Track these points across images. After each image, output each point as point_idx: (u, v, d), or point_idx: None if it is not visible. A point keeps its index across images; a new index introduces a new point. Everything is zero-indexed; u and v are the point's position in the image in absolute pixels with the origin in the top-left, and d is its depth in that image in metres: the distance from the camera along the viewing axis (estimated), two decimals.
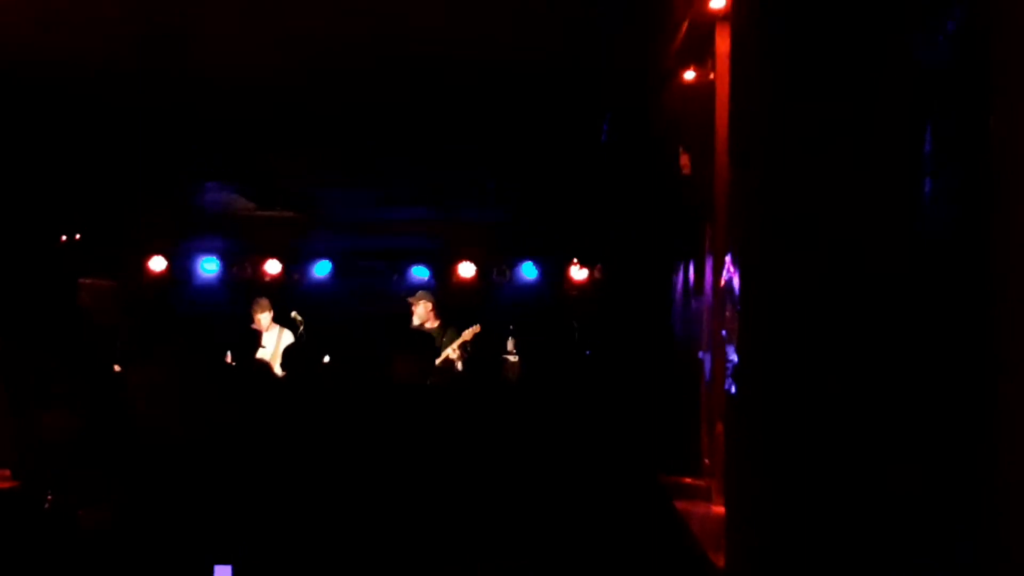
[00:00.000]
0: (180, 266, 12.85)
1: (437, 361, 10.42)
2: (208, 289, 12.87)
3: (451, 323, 10.72)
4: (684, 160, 8.34)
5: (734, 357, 5.80)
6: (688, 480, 8.49)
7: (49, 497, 5.16)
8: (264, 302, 10.95)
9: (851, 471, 5.20)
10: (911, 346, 4.92)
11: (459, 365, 10.43)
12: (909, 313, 4.96)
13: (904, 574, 4.83)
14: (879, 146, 5.10)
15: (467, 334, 10.46)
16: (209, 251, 12.91)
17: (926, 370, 4.84)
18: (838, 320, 5.34)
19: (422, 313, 10.75)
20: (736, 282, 5.85)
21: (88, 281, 12.36)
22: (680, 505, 7.51)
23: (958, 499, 4.49)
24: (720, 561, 5.70)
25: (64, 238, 12.14)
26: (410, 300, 10.89)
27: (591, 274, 12.83)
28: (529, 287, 13.04)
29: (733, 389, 5.72)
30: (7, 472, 8.72)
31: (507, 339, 11.43)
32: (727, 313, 6.46)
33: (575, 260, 12.88)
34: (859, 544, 5.09)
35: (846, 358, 5.32)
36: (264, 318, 10.87)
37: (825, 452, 5.22)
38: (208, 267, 12.88)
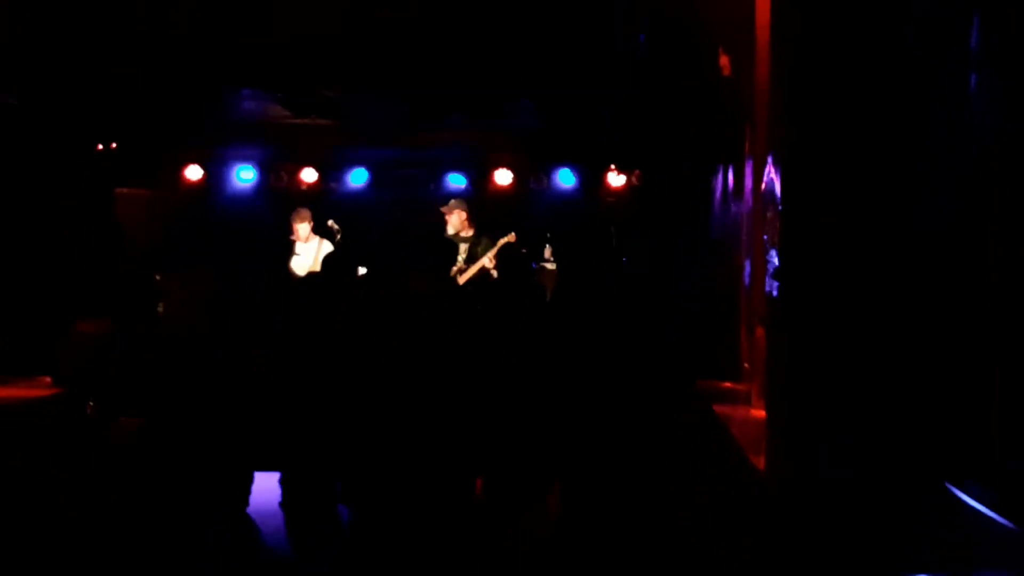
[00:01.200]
0: (216, 175, 12.81)
1: (473, 270, 10.39)
2: (244, 198, 12.84)
3: (486, 231, 10.65)
4: (724, 61, 8.19)
5: (775, 260, 5.73)
6: (728, 384, 8.48)
7: (91, 404, 5.19)
8: (304, 212, 10.89)
9: (892, 374, 5.16)
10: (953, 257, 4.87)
11: (494, 274, 10.38)
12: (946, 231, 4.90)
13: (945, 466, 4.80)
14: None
15: (502, 242, 10.39)
16: (245, 160, 12.85)
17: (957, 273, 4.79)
18: (883, 223, 5.27)
19: (456, 222, 10.67)
20: (777, 185, 5.76)
21: (124, 190, 12.36)
22: (720, 409, 7.51)
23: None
24: (760, 463, 5.69)
25: (100, 147, 12.12)
26: (443, 210, 10.82)
27: (629, 180, 12.71)
28: (567, 194, 12.93)
29: (775, 292, 5.66)
30: (48, 379, 8.80)
31: (544, 247, 11.36)
32: (768, 216, 6.38)
33: (613, 166, 12.75)
34: (898, 447, 5.06)
35: (889, 261, 5.26)
36: (303, 228, 10.83)
37: (869, 354, 5.17)
38: (244, 176, 12.83)
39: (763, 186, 6.60)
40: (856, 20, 5.14)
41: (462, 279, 10.38)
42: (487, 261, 10.36)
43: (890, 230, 5.14)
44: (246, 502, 6.50)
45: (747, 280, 7.99)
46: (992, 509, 4.48)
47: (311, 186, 12.78)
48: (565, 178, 12.86)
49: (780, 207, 5.50)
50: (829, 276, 5.14)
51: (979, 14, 4.54)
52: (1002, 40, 4.24)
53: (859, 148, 5.20)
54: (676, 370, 8.54)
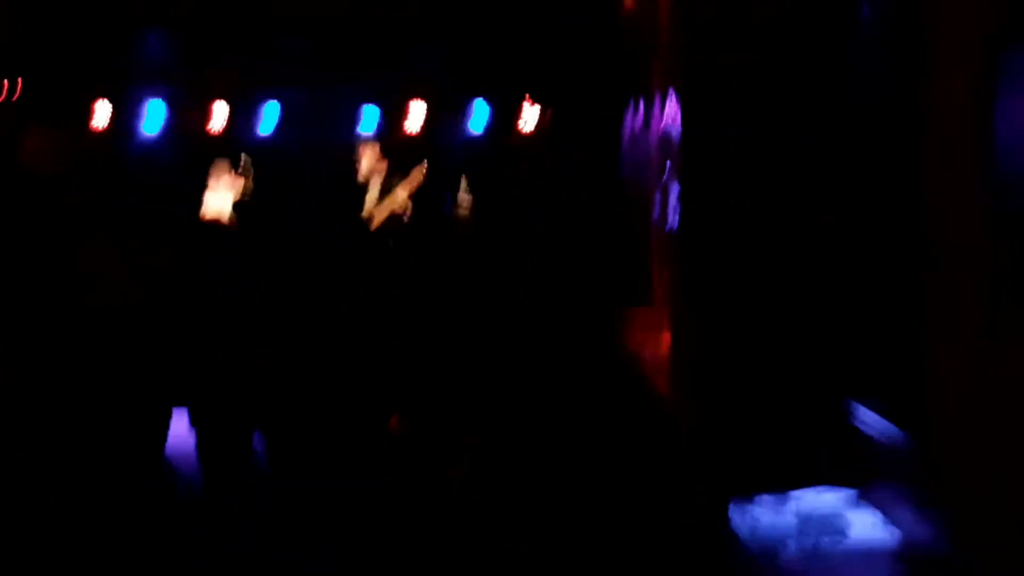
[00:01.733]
0: (125, 115, 12.65)
1: (386, 207, 10.46)
2: (153, 138, 12.70)
3: (399, 169, 10.70)
4: None
5: (675, 191, 5.86)
6: (641, 311, 8.63)
7: None
8: (223, 164, 10.79)
9: (790, 304, 5.32)
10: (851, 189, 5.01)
11: (408, 210, 10.46)
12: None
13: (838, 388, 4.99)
14: None
15: (415, 174, 10.48)
16: (155, 98, 12.69)
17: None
18: (781, 156, 5.40)
19: (369, 161, 10.72)
20: (677, 117, 5.87)
21: (31, 131, 12.14)
22: (634, 335, 7.67)
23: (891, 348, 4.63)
24: (665, 386, 5.86)
25: (5, 85, 11.90)
26: (356, 149, 10.84)
27: (543, 114, 12.76)
28: (480, 131, 12.96)
29: (676, 224, 5.79)
30: None
31: (458, 185, 11.42)
32: (668, 150, 6.50)
33: (527, 98, 12.78)
34: (798, 369, 5.24)
35: (788, 194, 5.39)
36: (221, 180, 10.72)
37: (767, 286, 5.33)
38: (153, 116, 12.69)
39: (665, 119, 6.71)
40: None
41: (376, 220, 10.44)
42: (400, 198, 10.43)
43: (789, 167, 5.27)
44: (164, 441, 6.55)
45: (656, 212, 8.12)
46: (889, 422, 4.67)
47: (222, 126, 12.68)
48: (479, 114, 12.87)
49: (679, 143, 5.62)
50: (725, 212, 5.28)
51: None
52: None
53: (755, 88, 5.32)
54: (592, 298, 8.68)
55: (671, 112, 6.20)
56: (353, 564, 5.62)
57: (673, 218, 6.01)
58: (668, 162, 6.67)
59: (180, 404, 6.65)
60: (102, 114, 12.39)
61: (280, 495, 6.31)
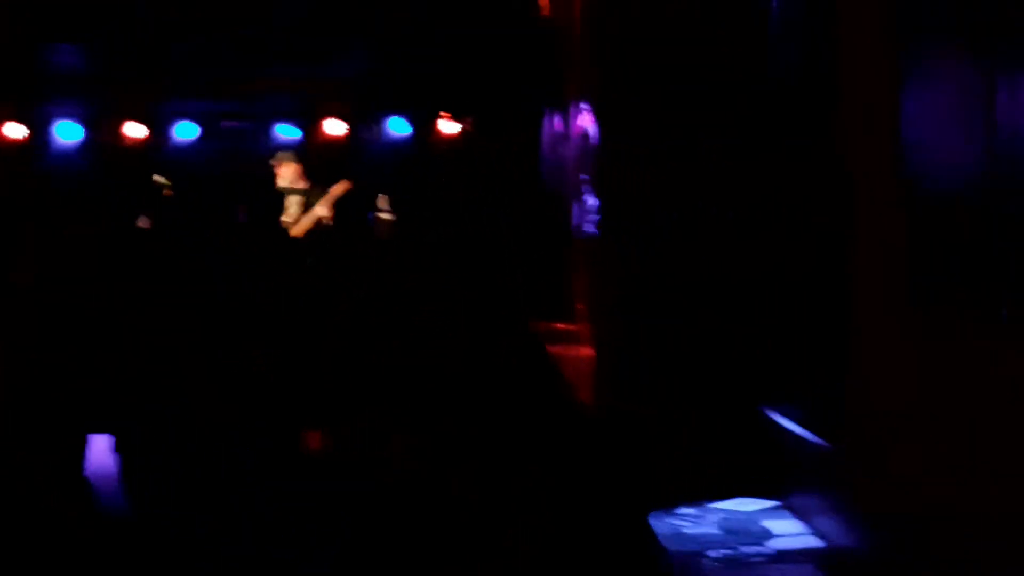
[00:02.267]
0: (39, 132, 12.45)
1: (307, 220, 10.37)
2: (69, 156, 12.51)
3: (320, 182, 10.62)
4: (543, 1, 8.22)
5: (594, 201, 5.86)
6: (562, 326, 8.65)
7: None
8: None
9: (708, 312, 5.35)
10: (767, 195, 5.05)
11: (330, 223, 10.37)
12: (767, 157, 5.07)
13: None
14: None
15: (336, 190, 10.38)
16: (69, 116, 12.51)
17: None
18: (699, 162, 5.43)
19: (288, 174, 10.61)
20: (593, 127, 5.88)
21: None
22: (555, 349, 7.67)
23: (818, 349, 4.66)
24: (588, 397, 5.86)
25: None
26: (273, 162, 10.74)
27: (463, 127, 12.76)
28: (399, 142, 12.92)
29: (593, 232, 5.79)
30: None
31: (379, 196, 11.36)
32: (587, 158, 6.51)
33: (446, 113, 12.78)
34: (714, 376, 5.28)
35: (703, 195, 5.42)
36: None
37: (685, 296, 5.35)
38: (68, 132, 12.50)
39: (579, 127, 6.73)
40: None
41: (297, 230, 10.34)
42: (321, 210, 10.34)
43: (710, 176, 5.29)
44: (81, 465, 6.41)
45: (575, 222, 8.13)
46: (805, 429, 4.70)
47: (138, 141, 12.52)
48: (398, 126, 12.84)
49: (595, 151, 5.62)
50: (641, 219, 5.28)
51: None
52: None
53: (664, 100, 5.33)
54: (511, 313, 8.66)
55: (587, 120, 6.21)
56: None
57: (591, 225, 6.02)
58: (586, 169, 6.68)
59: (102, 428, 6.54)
60: (14, 132, 12.18)
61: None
